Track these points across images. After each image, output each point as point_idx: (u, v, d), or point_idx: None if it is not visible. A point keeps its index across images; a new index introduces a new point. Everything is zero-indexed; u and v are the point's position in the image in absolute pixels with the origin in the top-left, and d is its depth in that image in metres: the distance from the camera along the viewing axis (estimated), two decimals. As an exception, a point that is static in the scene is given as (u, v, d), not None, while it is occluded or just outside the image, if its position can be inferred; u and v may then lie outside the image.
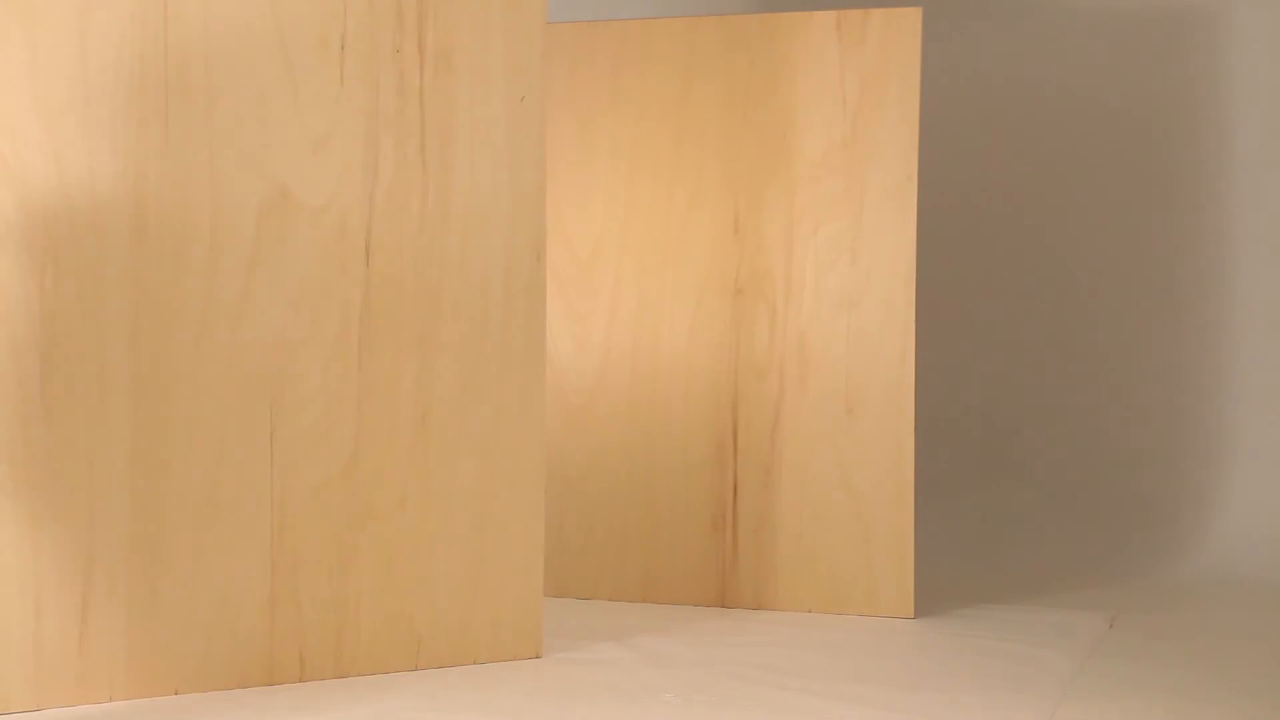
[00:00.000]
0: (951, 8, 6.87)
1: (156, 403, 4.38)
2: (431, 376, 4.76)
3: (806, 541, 5.71)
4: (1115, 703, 4.51)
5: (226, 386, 4.46)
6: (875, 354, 5.64)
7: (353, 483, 4.66)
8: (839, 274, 5.67)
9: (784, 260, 5.70)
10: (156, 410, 4.38)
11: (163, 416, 4.39)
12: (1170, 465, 6.82)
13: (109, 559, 4.33)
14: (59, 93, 4.27)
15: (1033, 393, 7.02)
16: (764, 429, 5.72)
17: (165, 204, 4.39)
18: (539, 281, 4.93)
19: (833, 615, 5.64)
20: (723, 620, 5.50)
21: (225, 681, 4.49)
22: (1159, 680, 4.78)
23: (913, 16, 5.62)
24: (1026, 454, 7.00)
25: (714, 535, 5.75)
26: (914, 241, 5.60)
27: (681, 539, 5.76)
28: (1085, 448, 6.94)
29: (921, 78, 5.64)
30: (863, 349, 5.65)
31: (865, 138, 5.65)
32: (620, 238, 5.87)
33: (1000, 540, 6.85)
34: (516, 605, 4.91)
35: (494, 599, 4.88)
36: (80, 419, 4.29)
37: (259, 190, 4.52)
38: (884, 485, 5.64)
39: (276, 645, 4.56)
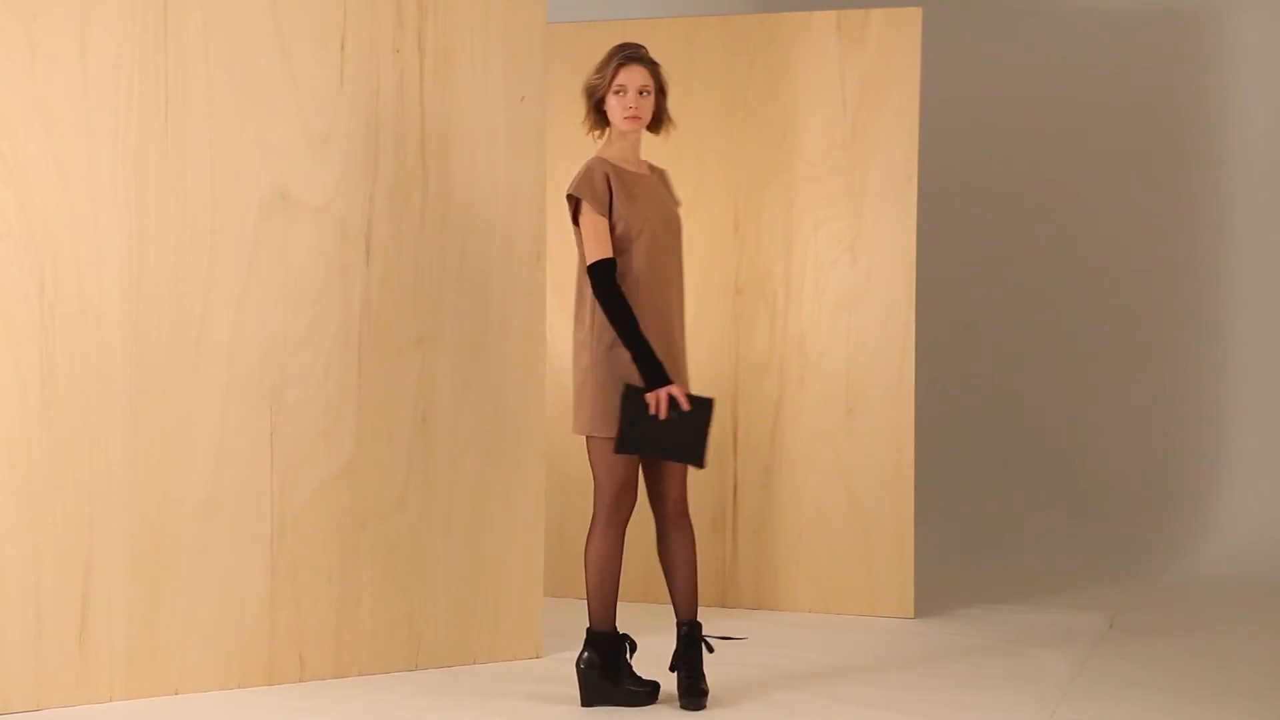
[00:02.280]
0: (951, 8, 6.87)
1: (156, 403, 4.38)
2: (431, 376, 4.76)
3: (806, 541, 5.71)
4: (1115, 703, 4.51)
5: (226, 386, 4.46)
6: (875, 354, 5.64)
7: (353, 483, 4.66)
8: (839, 274, 5.66)
9: (784, 260, 5.69)
10: (156, 410, 4.38)
11: (163, 416, 4.39)
12: (1170, 465, 6.82)
13: (109, 559, 4.32)
14: (59, 93, 4.27)
15: (1033, 393, 7.02)
16: (764, 429, 5.72)
17: (165, 204, 4.39)
18: (539, 281, 4.93)
19: (833, 615, 5.64)
20: (723, 620, 5.49)
21: (225, 681, 4.48)
22: (1159, 680, 4.77)
23: (913, 16, 5.61)
24: (1026, 454, 7.00)
25: (714, 535, 5.75)
26: (914, 241, 5.59)
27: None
28: (1085, 448, 6.94)
29: (921, 78, 5.64)
30: (863, 349, 5.65)
31: (865, 138, 5.65)
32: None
33: (1000, 540, 6.85)
34: (516, 605, 4.91)
35: (494, 599, 4.88)
36: (80, 419, 4.29)
37: (259, 190, 4.52)
38: (884, 485, 5.64)
39: (276, 645, 4.56)
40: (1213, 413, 6.79)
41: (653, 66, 4.38)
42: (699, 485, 5.74)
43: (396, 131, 4.68)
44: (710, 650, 4.42)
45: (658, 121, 4.44)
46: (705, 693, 4.35)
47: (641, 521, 5.80)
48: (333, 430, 4.61)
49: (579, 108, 5.96)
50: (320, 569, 4.60)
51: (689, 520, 4.45)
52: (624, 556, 5.82)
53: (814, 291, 5.68)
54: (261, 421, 4.50)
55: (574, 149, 5.90)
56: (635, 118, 4.36)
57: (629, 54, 4.36)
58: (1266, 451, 6.71)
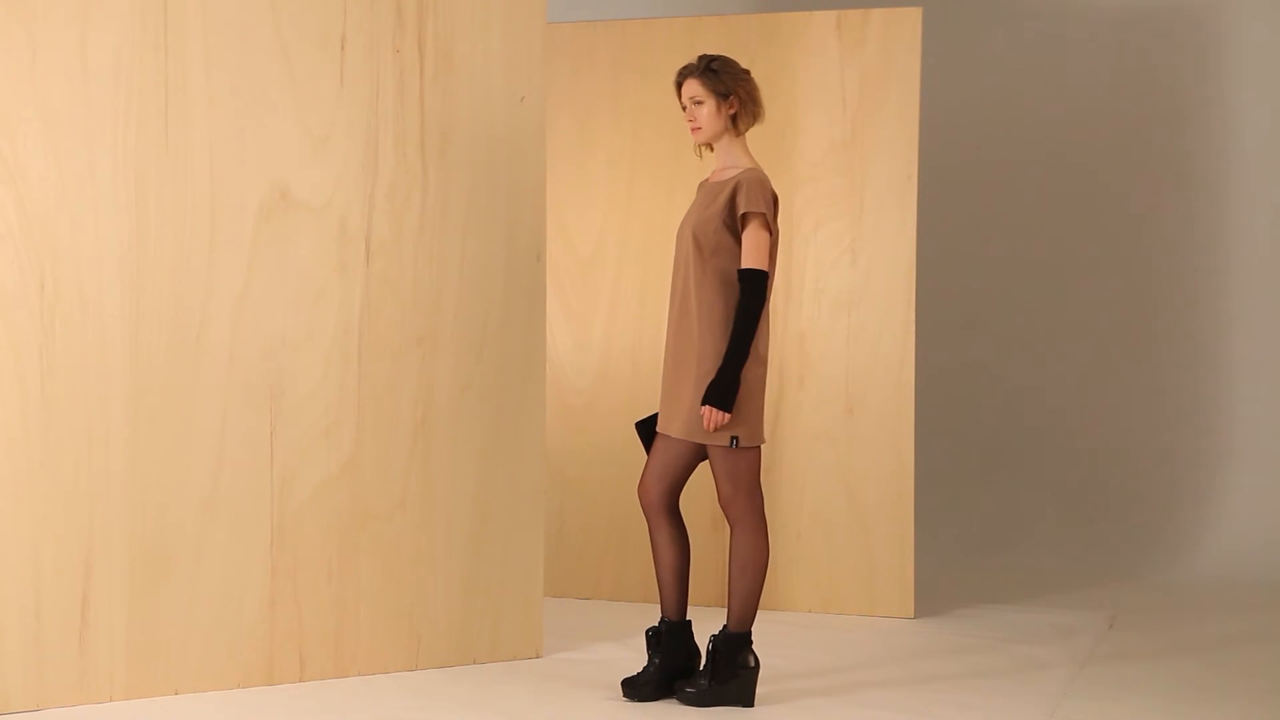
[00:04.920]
0: (951, 8, 6.87)
1: (156, 402, 4.38)
2: (431, 376, 4.76)
3: (806, 541, 5.71)
4: (1115, 703, 4.51)
5: (226, 386, 4.46)
6: (875, 354, 5.64)
7: (353, 483, 4.66)
8: (839, 274, 5.66)
9: (784, 260, 5.69)
10: (157, 410, 4.38)
11: (163, 416, 4.39)
12: (1170, 465, 6.82)
13: (109, 559, 4.32)
14: (59, 93, 4.27)
15: (1032, 393, 7.02)
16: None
17: (165, 204, 4.39)
18: (539, 281, 4.93)
19: (833, 615, 5.64)
20: (723, 620, 5.48)
21: (225, 681, 4.48)
22: (1159, 680, 4.78)
23: (913, 16, 5.61)
24: (1026, 454, 7.00)
25: (714, 535, 5.74)
26: (914, 241, 5.60)
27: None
28: (1085, 448, 6.94)
29: (921, 78, 5.64)
30: (863, 349, 5.65)
31: (865, 138, 5.65)
32: (620, 238, 5.86)
33: (1000, 540, 6.85)
34: (516, 605, 4.91)
35: (494, 599, 4.88)
36: (80, 419, 4.29)
37: (259, 190, 4.52)
38: (884, 485, 5.64)
39: (276, 645, 4.56)
40: (1213, 413, 6.79)
41: (704, 75, 4.40)
42: (698, 485, 5.74)
43: (396, 131, 4.68)
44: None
45: (735, 122, 4.44)
46: (690, 694, 4.36)
47: (643, 521, 5.81)
48: (333, 430, 4.61)
49: (579, 108, 5.99)
50: (320, 569, 4.60)
51: (731, 523, 4.44)
52: (623, 555, 5.86)
53: (814, 291, 5.68)
54: (261, 421, 4.50)
55: (574, 149, 5.92)
56: (694, 129, 4.44)
57: (680, 73, 4.46)
58: (1266, 451, 6.71)
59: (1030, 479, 6.97)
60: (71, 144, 4.27)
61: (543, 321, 4.94)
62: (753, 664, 4.40)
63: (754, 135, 5.73)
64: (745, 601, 4.41)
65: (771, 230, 4.33)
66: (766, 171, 5.71)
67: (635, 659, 4.88)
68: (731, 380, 4.24)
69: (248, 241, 4.49)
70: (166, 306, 4.38)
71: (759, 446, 4.37)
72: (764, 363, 4.35)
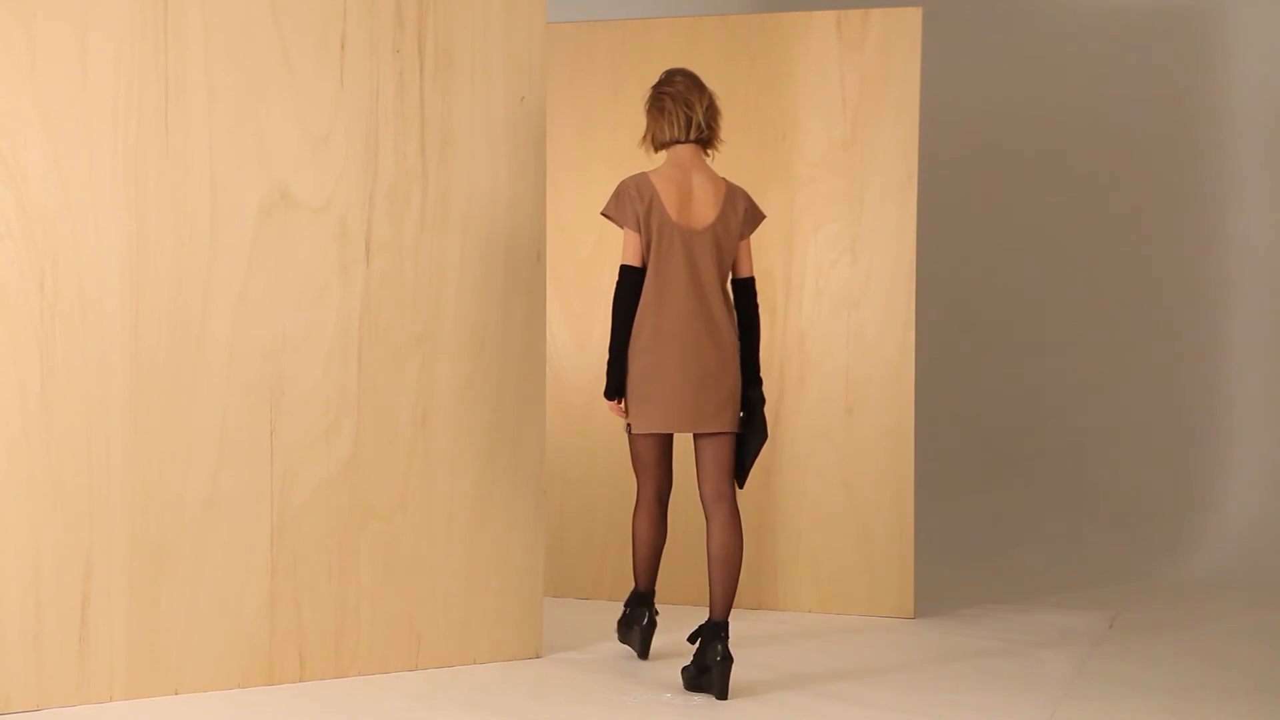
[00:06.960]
0: (951, 8, 6.87)
1: (156, 402, 4.38)
2: (431, 376, 4.76)
3: (806, 541, 5.71)
4: (1115, 703, 4.51)
5: (226, 386, 4.46)
6: (875, 354, 5.64)
7: (353, 483, 4.66)
8: (839, 274, 5.66)
9: (784, 260, 5.69)
10: (156, 410, 4.38)
11: (163, 416, 4.39)
12: (1170, 465, 6.82)
13: (109, 559, 4.32)
14: (59, 93, 4.27)
15: (1033, 393, 7.02)
16: (764, 429, 5.72)
17: (165, 204, 4.39)
18: (539, 281, 4.93)
19: (833, 615, 5.64)
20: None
21: (225, 681, 4.48)
22: (1159, 680, 4.78)
23: (913, 16, 5.61)
24: (1026, 454, 7.00)
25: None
26: (914, 241, 5.60)
27: (681, 539, 5.75)
28: (1085, 448, 6.94)
29: (921, 78, 5.64)
30: (863, 349, 5.65)
31: (865, 138, 5.65)
32: (620, 238, 5.85)
33: (1000, 540, 6.85)
34: (516, 605, 4.91)
35: (494, 599, 4.88)
36: (80, 419, 4.29)
37: (259, 190, 4.52)
38: (884, 485, 5.64)
39: (276, 645, 4.56)
40: (1213, 414, 6.79)
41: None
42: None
43: (396, 131, 4.68)
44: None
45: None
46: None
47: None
48: (333, 430, 4.61)
49: (579, 108, 5.99)
50: (320, 569, 4.60)
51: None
52: (623, 555, 5.85)
53: (814, 291, 5.68)
54: (261, 421, 4.50)
55: (574, 149, 5.92)
56: None
57: None
58: (1266, 452, 6.71)
59: (1030, 479, 6.97)
60: (71, 144, 4.27)
61: (543, 321, 4.94)
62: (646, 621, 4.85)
63: (754, 135, 5.76)
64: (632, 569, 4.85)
65: (623, 224, 4.60)
66: (767, 171, 5.74)
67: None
68: (608, 369, 4.57)
69: (248, 241, 4.49)
70: (166, 306, 4.38)
71: (643, 435, 4.66)
72: (648, 352, 4.55)
